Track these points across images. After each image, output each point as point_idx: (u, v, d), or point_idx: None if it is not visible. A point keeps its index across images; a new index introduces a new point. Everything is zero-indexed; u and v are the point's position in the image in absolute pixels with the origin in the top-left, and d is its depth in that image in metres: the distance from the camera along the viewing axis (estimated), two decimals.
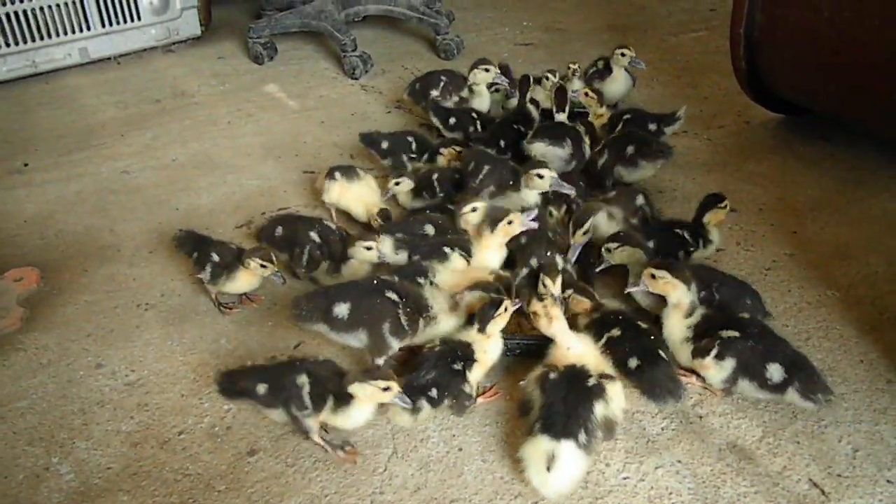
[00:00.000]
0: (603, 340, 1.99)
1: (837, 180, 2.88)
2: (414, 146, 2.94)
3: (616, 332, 1.99)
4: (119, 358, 2.18)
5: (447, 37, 4.14)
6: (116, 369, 2.15)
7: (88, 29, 4.03)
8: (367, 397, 1.80)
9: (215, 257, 2.31)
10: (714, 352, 1.91)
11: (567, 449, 1.68)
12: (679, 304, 1.99)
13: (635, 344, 1.97)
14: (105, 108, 3.73)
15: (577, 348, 1.91)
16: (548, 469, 1.66)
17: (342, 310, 1.99)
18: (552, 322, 1.92)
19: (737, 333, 1.91)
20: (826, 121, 3.19)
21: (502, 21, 4.70)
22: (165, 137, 3.44)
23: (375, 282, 2.06)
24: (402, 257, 2.34)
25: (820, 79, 2.82)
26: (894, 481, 1.73)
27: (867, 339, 2.13)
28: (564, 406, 1.75)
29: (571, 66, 3.36)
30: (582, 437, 1.71)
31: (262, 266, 2.25)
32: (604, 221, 2.41)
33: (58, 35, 3.93)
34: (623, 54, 3.24)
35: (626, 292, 2.12)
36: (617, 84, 3.32)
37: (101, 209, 2.91)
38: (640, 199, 2.49)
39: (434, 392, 1.88)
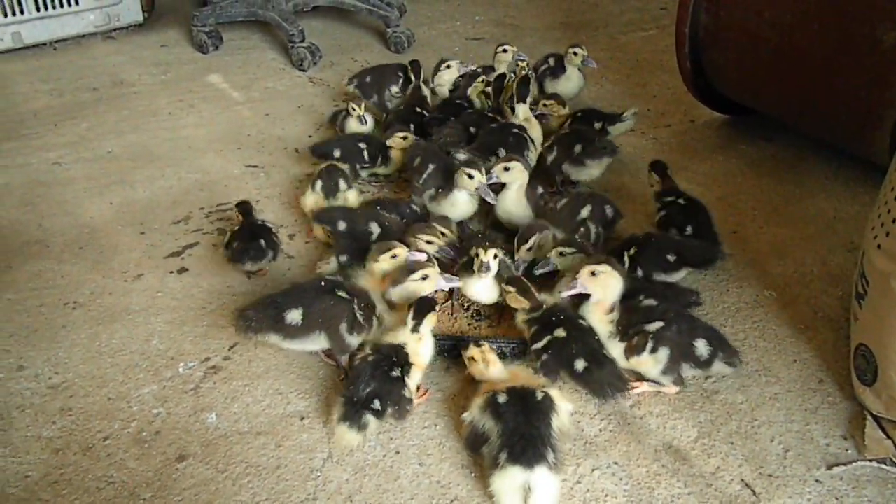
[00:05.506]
0: (544, 342, 1.96)
1: (777, 180, 2.93)
2: (366, 153, 2.84)
3: (561, 332, 1.95)
4: (42, 360, 2.09)
5: (398, 30, 4.08)
6: (39, 371, 2.05)
7: (22, 13, 3.87)
8: None
9: None
10: (649, 346, 1.92)
11: (541, 476, 1.64)
12: (602, 302, 2.00)
13: (581, 346, 1.92)
14: (38, 96, 3.57)
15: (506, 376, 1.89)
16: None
17: (295, 316, 1.94)
18: (489, 366, 1.89)
19: (661, 323, 1.94)
20: (769, 121, 3.24)
21: (454, 15, 4.66)
22: (101, 128, 3.31)
23: (323, 283, 2.02)
24: None
25: (761, 80, 2.86)
26: (823, 481, 1.76)
27: (801, 338, 2.17)
28: (527, 428, 1.69)
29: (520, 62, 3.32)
30: (551, 457, 1.67)
31: None
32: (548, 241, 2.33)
33: None
34: (576, 53, 3.24)
35: (559, 294, 2.06)
36: (571, 83, 3.31)
37: (30, 202, 2.78)
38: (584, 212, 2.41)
39: (377, 404, 1.82)
